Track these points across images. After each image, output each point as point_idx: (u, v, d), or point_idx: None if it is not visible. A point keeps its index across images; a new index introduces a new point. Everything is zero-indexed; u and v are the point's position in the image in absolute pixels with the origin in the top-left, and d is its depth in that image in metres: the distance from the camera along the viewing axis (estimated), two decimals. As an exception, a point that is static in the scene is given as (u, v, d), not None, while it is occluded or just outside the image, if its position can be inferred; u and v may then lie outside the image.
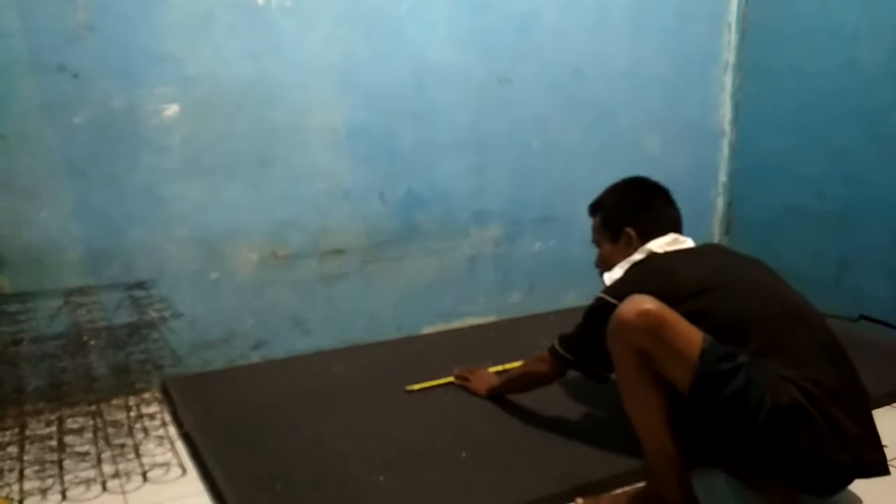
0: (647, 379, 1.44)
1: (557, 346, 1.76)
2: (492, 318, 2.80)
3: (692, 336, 1.39)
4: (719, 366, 1.37)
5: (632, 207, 1.77)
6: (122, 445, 1.87)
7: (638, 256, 1.70)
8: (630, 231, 1.74)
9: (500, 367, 2.27)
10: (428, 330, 2.68)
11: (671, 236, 1.71)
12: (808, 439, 1.34)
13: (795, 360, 1.40)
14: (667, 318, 1.40)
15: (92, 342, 2.00)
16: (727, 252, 1.76)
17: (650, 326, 1.40)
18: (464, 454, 1.77)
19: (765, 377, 1.36)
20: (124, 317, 2.10)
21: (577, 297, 2.88)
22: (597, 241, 1.85)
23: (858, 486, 1.51)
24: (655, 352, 1.40)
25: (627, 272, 1.68)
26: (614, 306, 1.49)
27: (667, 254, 1.67)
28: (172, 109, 2.15)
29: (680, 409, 1.46)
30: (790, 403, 1.33)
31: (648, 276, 1.61)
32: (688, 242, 1.72)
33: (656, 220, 1.73)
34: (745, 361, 1.38)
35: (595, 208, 1.85)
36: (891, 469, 1.47)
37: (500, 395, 2.03)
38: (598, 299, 1.64)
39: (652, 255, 1.68)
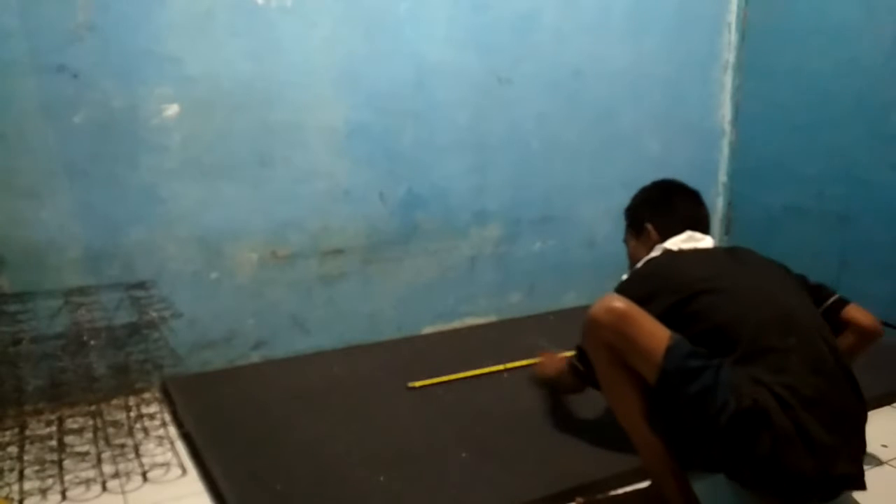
0: (623, 376, 1.46)
1: (574, 360, 1.77)
2: (492, 318, 2.80)
3: (659, 334, 1.42)
4: (686, 363, 1.38)
5: (652, 205, 1.82)
6: (122, 445, 1.87)
7: (654, 254, 1.73)
8: (649, 227, 1.79)
9: (500, 367, 2.27)
10: (428, 330, 2.68)
11: (687, 234, 1.72)
12: (769, 444, 1.33)
13: (776, 367, 1.39)
14: (634, 316, 1.43)
15: (92, 342, 2.00)
16: (740, 254, 1.70)
17: (617, 323, 1.43)
18: (464, 454, 1.77)
19: (734, 379, 1.36)
20: (124, 317, 2.10)
21: (577, 297, 2.88)
22: (625, 240, 1.89)
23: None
24: (623, 348, 1.44)
25: (635, 269, 1.70)
26: None
27: (675, 253, 1.68)
28: (172, 109, 2.15)
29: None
30: (752, 407, 1.33)
31: (650, 274, 1.63)
32: (704, 241, 1.71)
33: (675, 218, 1.75)
34: (716, 363, 1.38)
35: (626, 208, 1.91)
36: (890, 468, 1.47)
37: (552, 388, 2.02)
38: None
39: (663, 253, 1.70)
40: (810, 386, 1.37)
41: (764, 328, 1.43)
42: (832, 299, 1.69)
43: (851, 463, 1.40)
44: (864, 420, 1.46)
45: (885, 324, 1.62)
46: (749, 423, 1.33)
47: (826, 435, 1.35)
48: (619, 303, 1.45)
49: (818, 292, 1.70)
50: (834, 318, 1.66)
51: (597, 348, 1.50)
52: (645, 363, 1.42)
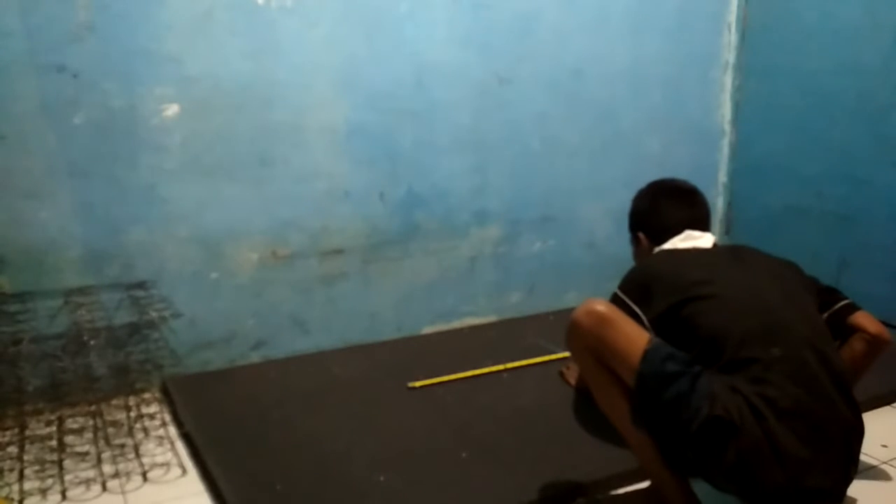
0: (608, 377, 1.47)
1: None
2: (492, 318, 2.80)
3: (638, 337, 1.43)
4: (662, 368, 1.39)
5: (641, 213, 1.82)
6: (122, 445, 1.87)
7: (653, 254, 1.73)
8: (640, 235, 1.80)
9: (500, 367, 2.27)
10: (428, 330, 2.68)
11: (684, 233, 1.71)
12: (735, 453, 1.33)
13: (757, 377, 1.38)
14: (614, 319, 1.45)
15: (92, 342, 2.00)
16: (742, 255, 1.67)
17: (596, 326, 1.45)
18: (464, 454, 1.77)
19: (712, 387, 1.36)
20: (124, 317, 2.10)
21: (577, 297, 2.87)
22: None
23: (855, 488, 1.51)
24: (603, 351, 1.45)
25: (632, 269, 1.69)
26: (623, 300, 1.56)
27: (672, 253, 1.67)
28: (172, 109, 2.15)
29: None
30: (720, 416, 1.33)
31: (645, 274, 1.63)
32: (703, 238, 1.69)
33: (665, 223, 1.74)
34: (695, 370, 1.38)
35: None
36: (890, 468, 1.47)
37: (582, 390, 1.99)
38: (613, 294, 1.64)
39: (660, 252, 1.69)
40: (789, 397, 1.36)
41: (748, 338, 1.42)
42: (840, 304, 1.65)
43: (827, 477, 1.37)
44: (854, 432, 1.42)
45: (886, 324, 1.61)
46: (718, 431, 1.34)
47: (801, 447, 1.34)
48: (600, 306, 1.46)
49: (827, 296, 1.66)
50: (840, 323, 1.63)
51: (579, 351, 1.50)
52: (623, 366, 1.43)
